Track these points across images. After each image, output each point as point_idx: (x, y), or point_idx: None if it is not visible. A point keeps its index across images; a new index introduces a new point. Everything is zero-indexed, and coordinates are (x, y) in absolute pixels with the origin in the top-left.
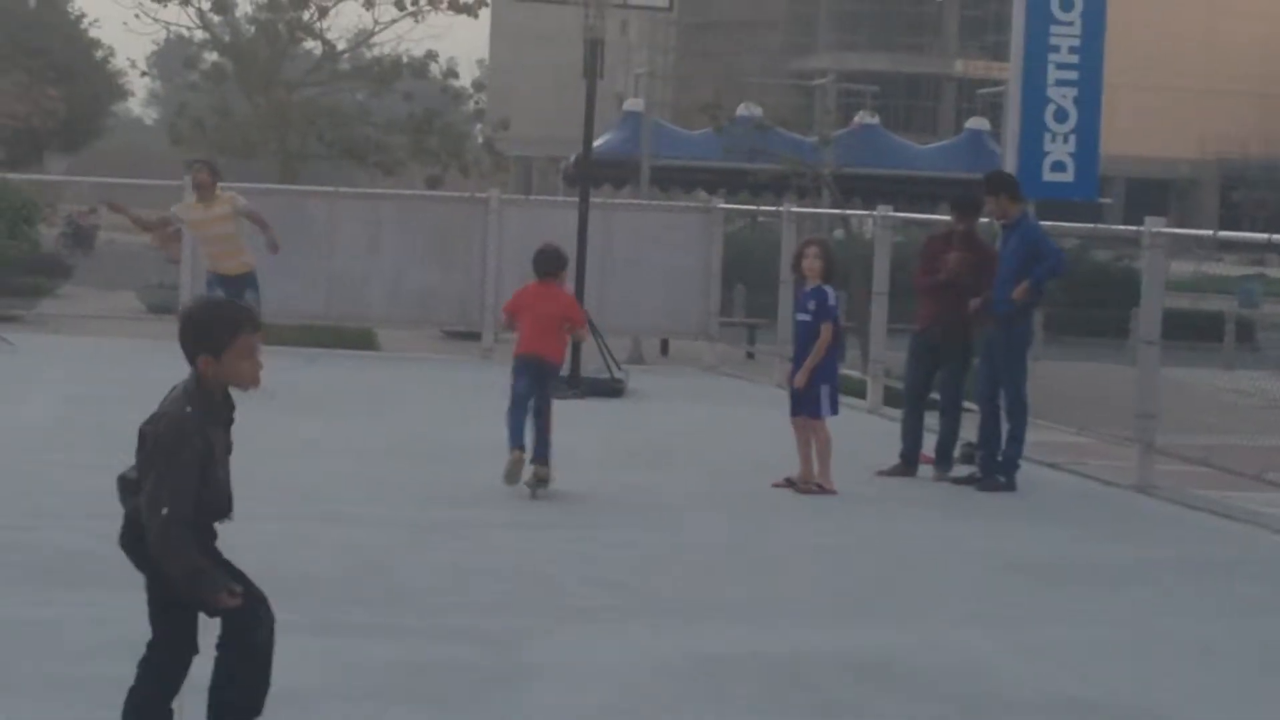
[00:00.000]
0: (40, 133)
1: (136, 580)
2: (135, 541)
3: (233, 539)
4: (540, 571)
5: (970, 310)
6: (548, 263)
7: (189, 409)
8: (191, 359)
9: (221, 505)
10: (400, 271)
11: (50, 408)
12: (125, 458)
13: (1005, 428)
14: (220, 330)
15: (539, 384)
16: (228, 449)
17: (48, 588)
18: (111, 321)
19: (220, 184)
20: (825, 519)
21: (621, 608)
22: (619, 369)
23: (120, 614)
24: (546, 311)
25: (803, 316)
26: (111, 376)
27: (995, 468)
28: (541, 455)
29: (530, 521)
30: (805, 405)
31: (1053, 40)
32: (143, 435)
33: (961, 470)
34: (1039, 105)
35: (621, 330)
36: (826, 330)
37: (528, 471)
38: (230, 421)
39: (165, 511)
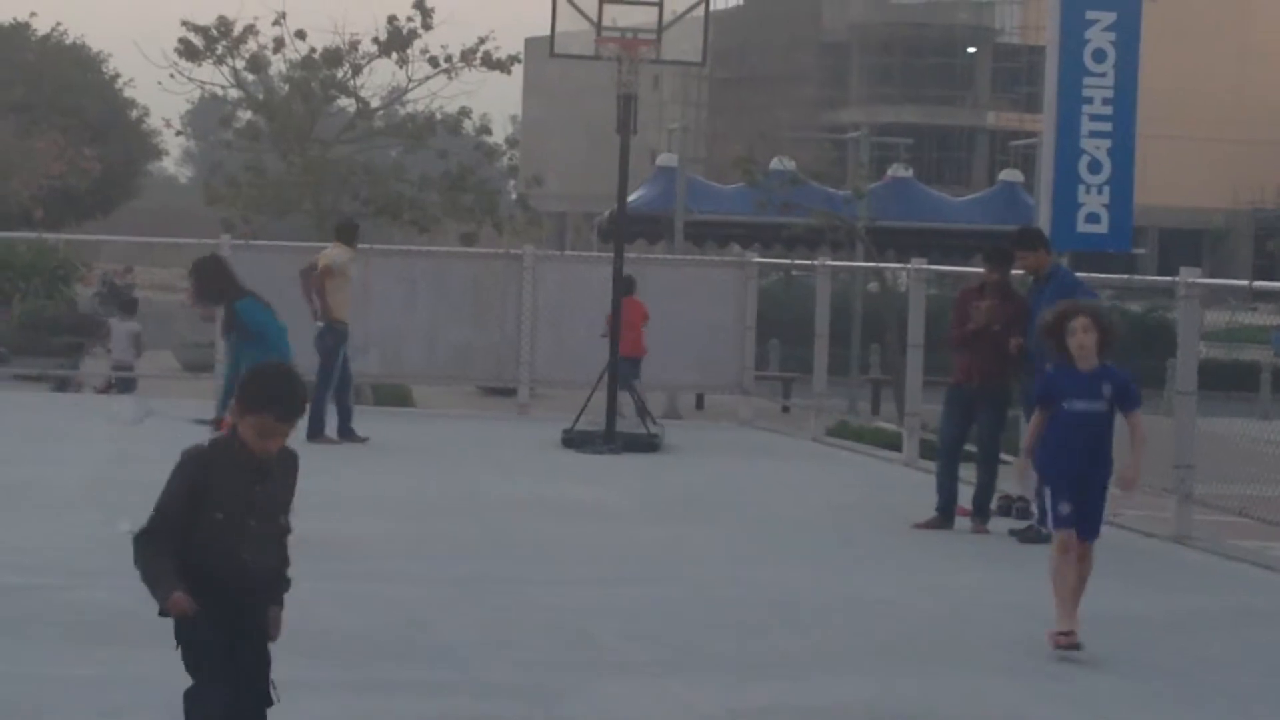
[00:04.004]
0: (76, 192)
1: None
2: None
3: None
4: (579, 626)
5: (1012, 349)
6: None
7: (205, 444)
8: (231, 404)
9: (227, 556)
10: (436, 328)
11: (88, 466)
12: None
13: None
14: (250, 397)
15: None
16: (251, 502)
17: (88, 646)
18: (149, 380)
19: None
20: (864, 572)
21: (661, 662)
22: (655, 424)
23: (160, 673)
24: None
25: (1083, 405)
26: (148, 435)
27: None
28: None
29: (568, 576)
30: (1088, 524)
31: (1086, 92)
32: None
33: (1019, 523)
34: (1073, 157)
35: (657, 385)
36: (1140, 422)
37: None
38: (258, 473)
39: (144, 523)
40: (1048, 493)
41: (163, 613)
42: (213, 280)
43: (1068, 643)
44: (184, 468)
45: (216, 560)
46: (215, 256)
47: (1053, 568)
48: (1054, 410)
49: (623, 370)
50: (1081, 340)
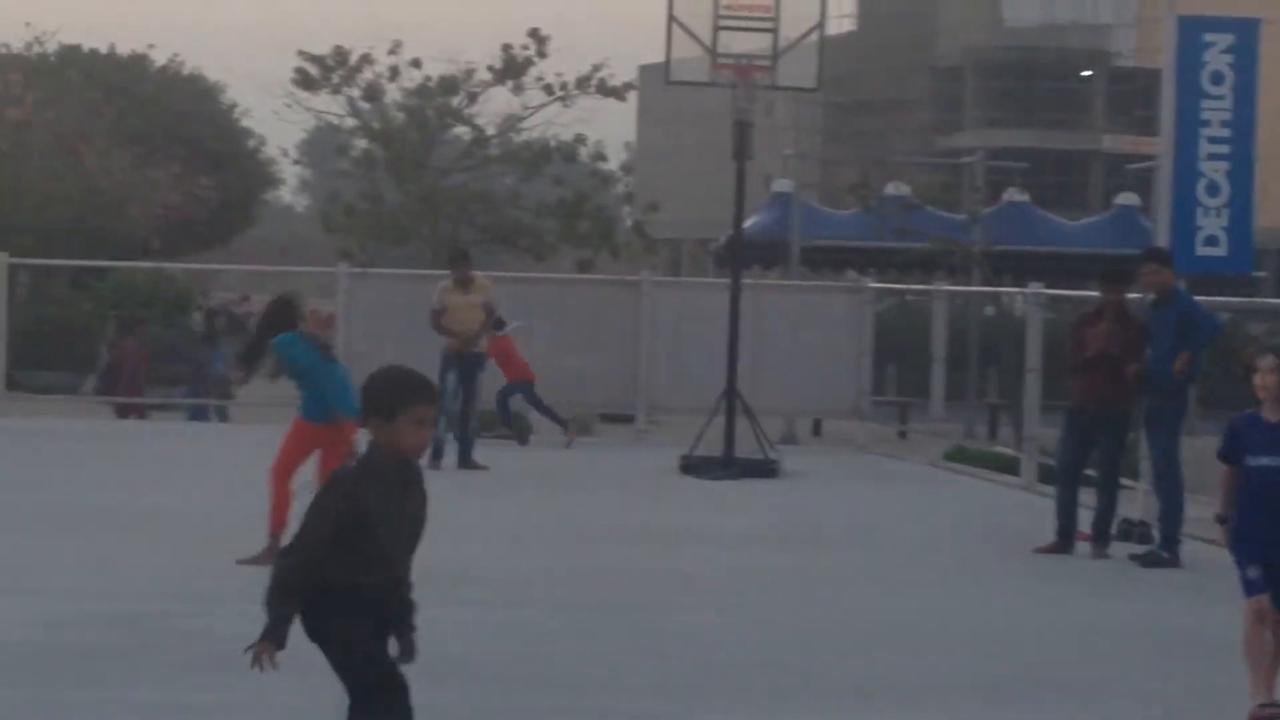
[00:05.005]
0: (194, 222)
1: (299, 665)
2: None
3: None
4: (700, 652)
5: (1130, 375)
6: None
7: (352, 466)
8: (365, 422)
9: (389, 569)
10: (553, 355)
11: (211, 496)
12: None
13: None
14: (394, 396)
15: None
16: (406, 514)
17: (213, 673)
18: (269, 409)
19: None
20: (985, 598)
21: (782, 689)
22: (773, 449)
23: (284, 699)
24: None
25: (1270, 460)
26: (269, 464)
27: (1162, 543)
28: None
29: (689, 603)
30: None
31: (1204, 115)
32: None
33: (1140, 547)
34: (1191, 180)
35: (774, 411)
36: None
37: None
38: (407, 484)
39: (286, 546)
40: (1236, 555)
41: (250, 647)
42: (264, 322)
43: (1271, 715)
44: (333, 492)
45: (378, 574)
46: (280, 299)
47: (1245, 637)
48: (1238, 466)
49: (523, 392)
50: (1265, 382)
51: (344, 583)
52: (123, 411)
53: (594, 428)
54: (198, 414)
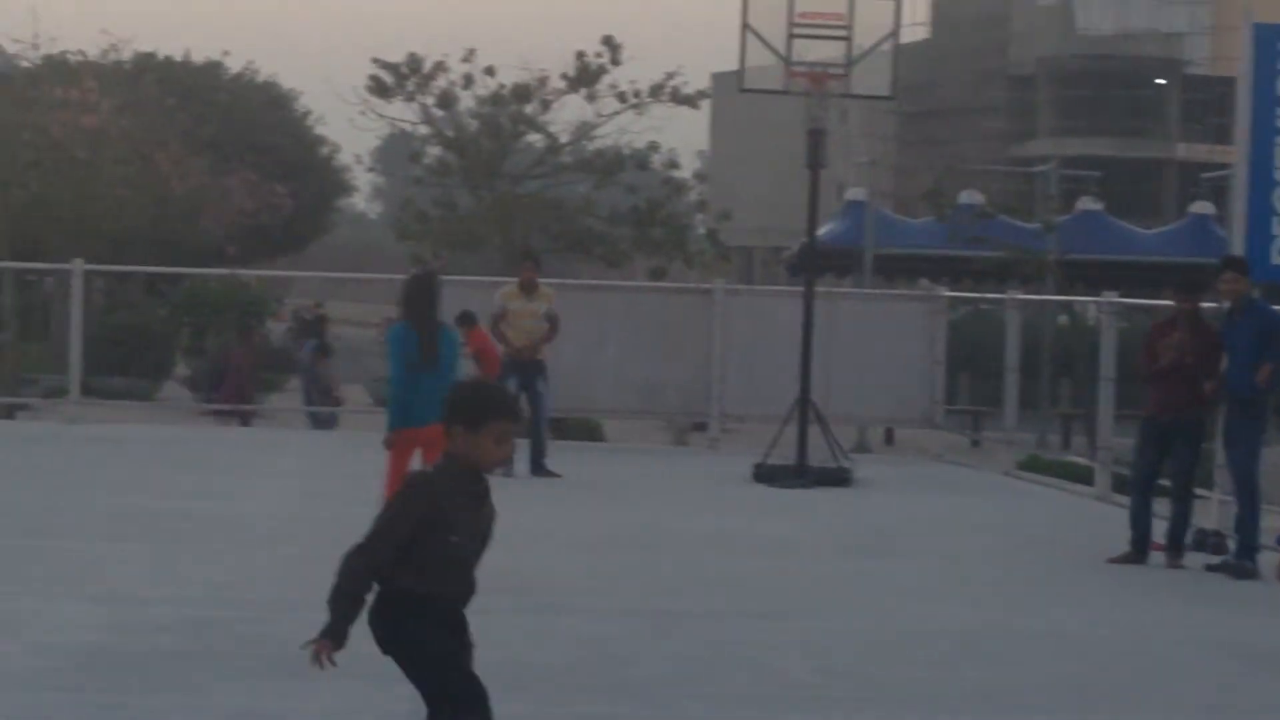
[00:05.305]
0: (268, 229)
1: (373, 671)
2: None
3: None
4: (771, 660)
5: (1206, 392)
6: None
7: (431, 472)
8: (447, 430)
9: (461, 578)
10: (625, 363)
11: (283, 501)
12: None
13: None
14: (481, 409)
15: None
16: (477, 526)
17: (285, 679)
18: (340, 415)
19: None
20: (1057, 607)
21: (854, 698)
22: (845, 458)
23: (357, 704)
24: None
25: None
26: (341, 470)
27: (1239, 552)
28: None
29: (760, 610)
30: None
31: (1279, 123)
32: None
33: (1214, 558)
34: (1266, 188)
35: (847, 419)
36: None
37: None
38: (479, 497)
39: (358, 542)
40: None
41: (310, 643)
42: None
43: None
44: (412, 495)
45: (452, 582)
46: (417, 275)
47: None
48: None
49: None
50: None
51: (417, 590)
52: (226, 418)
53: (687, 437)
54: (319, 421)
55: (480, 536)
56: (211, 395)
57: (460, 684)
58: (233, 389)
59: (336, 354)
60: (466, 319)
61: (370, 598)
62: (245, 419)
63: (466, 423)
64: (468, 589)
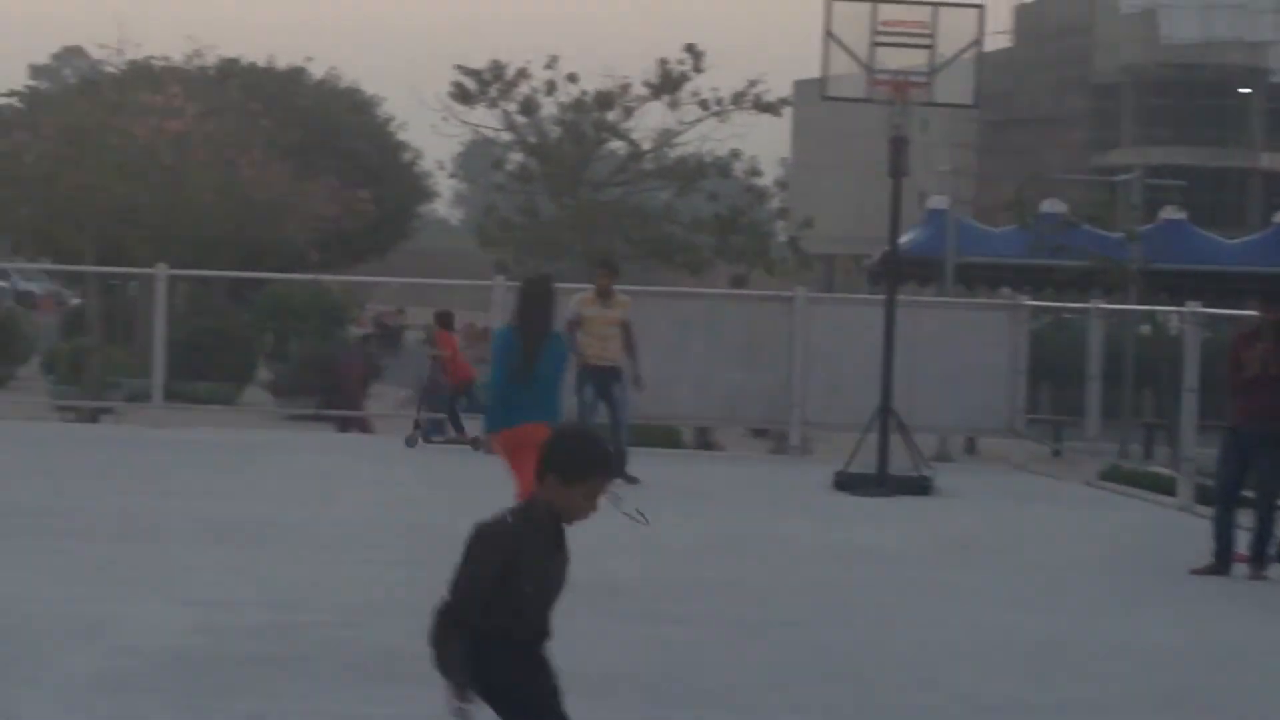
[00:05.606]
0: (350, 235)
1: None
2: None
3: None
4: (854, 668)
5: None
6: None
7: (509, 519)
8: (540, 475)
9: (533, 624)
10: (707, 370)
11: (362, 507)
12: (434, 556)
13: None
14: (581, 465)
15: None
16: (551, 573)
17: (367, 684)
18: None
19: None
20: (1139, 618)
21: (936, 707)
22: (927, 467)
23: (428, 710)
24: None
25: None
26: (421, 477)
27: None
28: None
29: (842, 619)
30: None
31: None
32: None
33: None
34: None
35: (928, 428)
36: None
37: None
38: (556, 544)
39: (443, 601)
40: None
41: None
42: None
43: None
44: (490, 547)
45: (523, 629)
46: (531, 280)
47: None
48: None
49: (461, 395)
50: None
51: (492, 635)
52: (344, 425)
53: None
54: (433, 429)
55: (555, 583)
56: (326, 403)
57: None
58: (349, 397)
59: (413, 359)
60: (443, 319)
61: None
62: (364, 427)
63: (562, 473)
64: (541, 634)
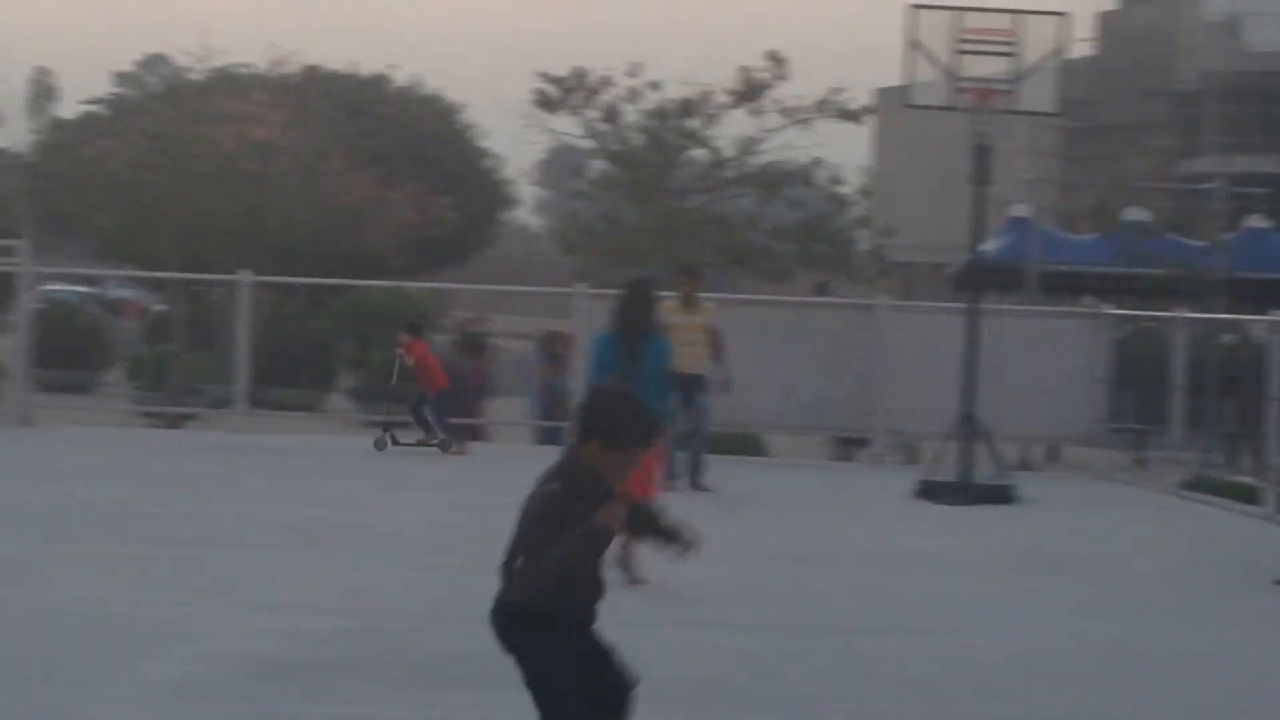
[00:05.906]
0: (433, 242)
1: (515, 681)
2: (504, 623)
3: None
4: (924, 678)
5: None
6: None
7: (555, 485)
8: (582, 438)
9: (590, 586)
10: (789, 378)
11: (432, 513)
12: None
13: None
14: (627, 429)
15: None
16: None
17: (431, 689)
18: (501, 428)
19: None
20: (1220, 629)
21: (1010, 716)
22: (1009, 475)
23: (502, 714)
24: None
25: None
26: (494, 483)
27: None
28: None
29: (914, 627)
30: None
31: None
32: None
33: None
34: None
35: (1010, 436)
36: None
37: None
38: (602, 500)
39: (545, 564)
40: None
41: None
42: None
43: None
44: (556, 508)
45: (581, 590)
46: (631, 284)
47: None
48: None
49: (431, 401)
50: None
51: (544, 605)
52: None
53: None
54: (547, 435)
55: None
56: (446, 413)
57: (574, 700)
58: (467, 404)
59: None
60: (412, 328)
61: (495, 601)
62: (478, 433)
63: (606, 438)
64: (597, 593)
